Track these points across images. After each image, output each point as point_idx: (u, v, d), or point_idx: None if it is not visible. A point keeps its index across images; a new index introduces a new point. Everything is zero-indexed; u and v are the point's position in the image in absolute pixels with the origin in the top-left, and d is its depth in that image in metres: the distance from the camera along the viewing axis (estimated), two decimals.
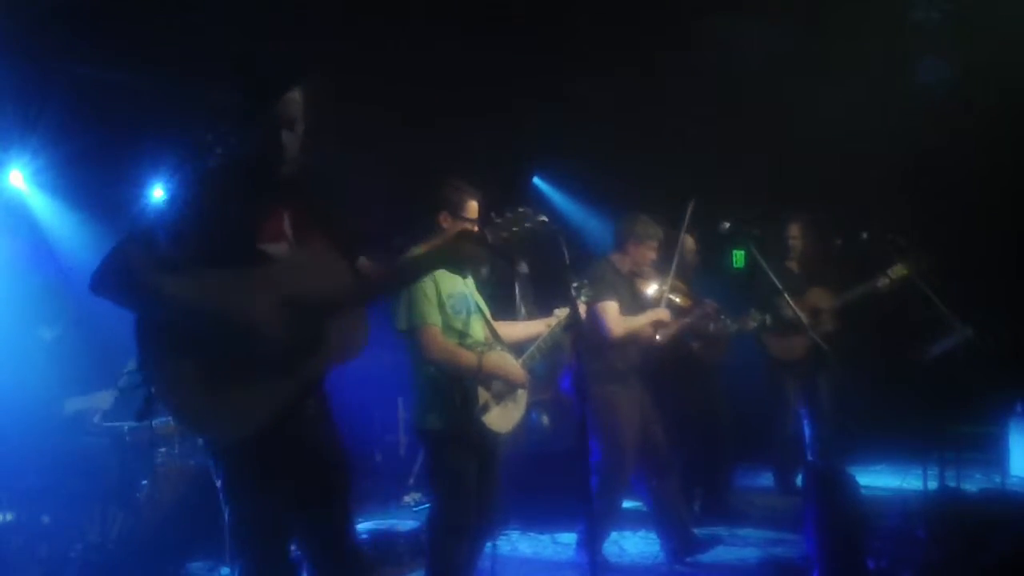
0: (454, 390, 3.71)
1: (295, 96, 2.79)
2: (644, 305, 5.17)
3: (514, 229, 3.04)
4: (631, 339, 5.00)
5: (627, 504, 5.20)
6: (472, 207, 3.90)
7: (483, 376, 3.75)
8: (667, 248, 5.33)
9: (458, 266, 3.66)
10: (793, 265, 6.57)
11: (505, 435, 3.88)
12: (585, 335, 4.83)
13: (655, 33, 6.97)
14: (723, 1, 7.13)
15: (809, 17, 6.90)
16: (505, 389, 3.87)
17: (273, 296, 2.70)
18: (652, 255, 5.19)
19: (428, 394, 3.78)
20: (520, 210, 3.08)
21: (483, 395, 3.75)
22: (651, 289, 5.26)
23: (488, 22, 6.78)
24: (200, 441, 2.86)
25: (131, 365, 4.88)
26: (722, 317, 5.55)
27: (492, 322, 4.01)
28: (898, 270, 5.93)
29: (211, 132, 2.85)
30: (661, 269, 5.32)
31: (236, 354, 2.65)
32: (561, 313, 4.13)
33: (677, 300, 5.35)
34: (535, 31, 6.88)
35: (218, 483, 2.81)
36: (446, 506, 3.79)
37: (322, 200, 2.96)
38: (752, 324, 5.59)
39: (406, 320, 3.72)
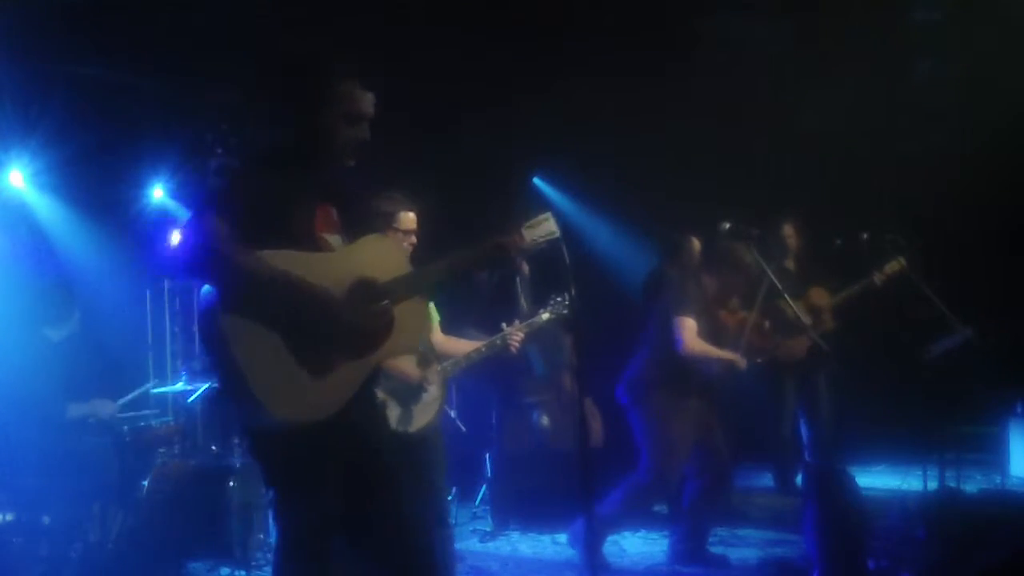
0: None
1: (362, 92, 2.77)
2: (721, 334, 4.99)
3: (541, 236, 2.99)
4: (698, 362, 4.82)
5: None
6: (406, 218, 3.89)
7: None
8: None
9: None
10: (790, 264, 6.56)
11: (411, 434, 3.85)
12: (657, 346, 4.86)
13: (656, 33, 6.96)
14: (724, 1, 7.12)
15: (809, 17, 6.90)
16: (403, 388, 3.85)
17: (343, 281, 2.65)
18: (743, 285, 5.02)
19: None
20: (544, 216, 3.01)
21: (380, 394, 3.63)
22: (732, 321, 5.06)
23: (488, 22, 6.77)
24: (253, 428, 2.71)
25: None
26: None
27: (435, 331, 4.07)
28: (892, 265, 5.92)
29: (248, 124, 2.82)
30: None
31: (314, 336, 2.56)
32: (508, 331, 4.18)
33: (758, 336, 5.24)
34: (535, 31, 6.87)
35: (269, 475, 2.71)
36: None
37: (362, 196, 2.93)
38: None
39: None
